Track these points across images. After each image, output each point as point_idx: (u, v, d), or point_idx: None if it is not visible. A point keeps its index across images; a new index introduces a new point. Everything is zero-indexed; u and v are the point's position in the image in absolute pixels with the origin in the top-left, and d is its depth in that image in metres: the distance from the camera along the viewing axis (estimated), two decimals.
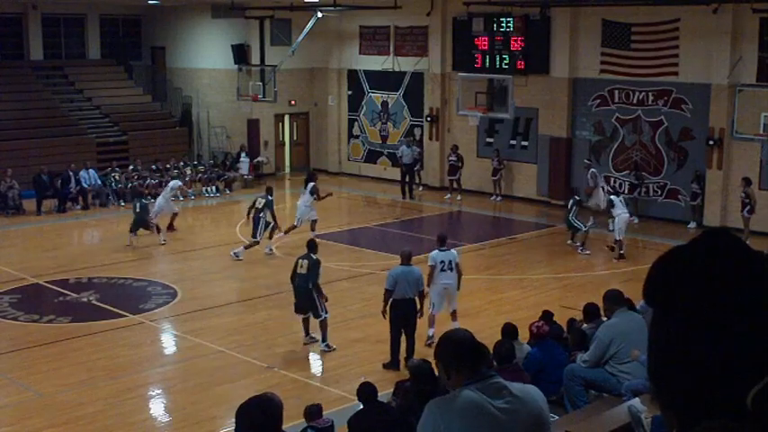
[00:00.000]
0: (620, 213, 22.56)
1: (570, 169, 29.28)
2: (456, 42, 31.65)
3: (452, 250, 16.46)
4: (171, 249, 24.18)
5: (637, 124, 27.69)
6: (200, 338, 16.94)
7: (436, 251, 16.12)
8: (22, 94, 34.46)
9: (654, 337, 1.61)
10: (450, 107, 31.94)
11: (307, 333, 16.47)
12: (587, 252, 22.90)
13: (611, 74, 28.08)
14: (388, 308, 15.03)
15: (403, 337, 15.14)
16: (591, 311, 12.30)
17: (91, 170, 30.47)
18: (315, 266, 15.84)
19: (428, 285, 15.69)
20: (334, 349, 16.06)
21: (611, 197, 23.19)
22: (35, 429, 13.01)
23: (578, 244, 23.33)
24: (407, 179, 31.39)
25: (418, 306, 15.05)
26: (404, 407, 9.77)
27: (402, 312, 14.93)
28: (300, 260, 16.05)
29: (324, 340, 16.10)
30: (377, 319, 16.30)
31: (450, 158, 31.20)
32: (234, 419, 5.09)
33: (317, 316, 15.97)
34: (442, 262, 15.94)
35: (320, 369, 15.92)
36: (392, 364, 15.00)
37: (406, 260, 15.25)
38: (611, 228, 23.03)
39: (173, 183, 26.52)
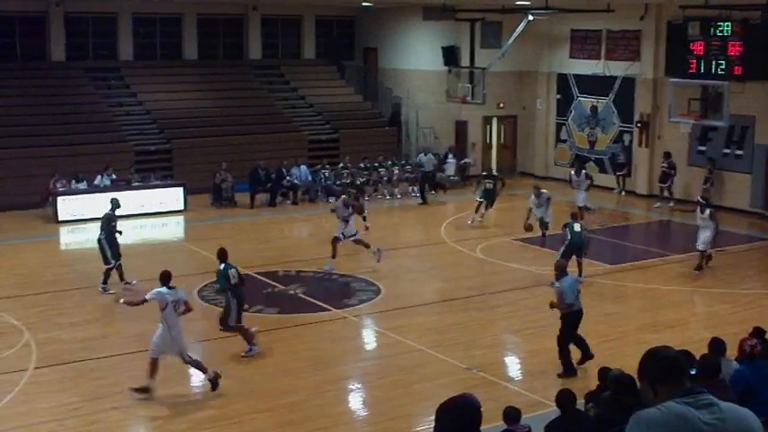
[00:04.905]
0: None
1: None
2: (670, 47, 30.81)
3: None
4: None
5: None
6: (400, 336, 17.18)
7: None
8: (241, 92, 35.95)
9: None
10: (661, 113, 31.17)
11: None
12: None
13: None
14: None
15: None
16: None
17: (302, 166, 31.40)
18: None
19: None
20: None
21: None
22: (239, 413, 13.49)
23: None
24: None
25: None
26: (603, 417, 9.63)
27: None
28: None
29: None
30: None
31: (662, 165, 30.45)
32: (432, 418, 5.17)
33: None
34: None
35: (519, 373, 15.86)
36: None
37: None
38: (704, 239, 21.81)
39: None
